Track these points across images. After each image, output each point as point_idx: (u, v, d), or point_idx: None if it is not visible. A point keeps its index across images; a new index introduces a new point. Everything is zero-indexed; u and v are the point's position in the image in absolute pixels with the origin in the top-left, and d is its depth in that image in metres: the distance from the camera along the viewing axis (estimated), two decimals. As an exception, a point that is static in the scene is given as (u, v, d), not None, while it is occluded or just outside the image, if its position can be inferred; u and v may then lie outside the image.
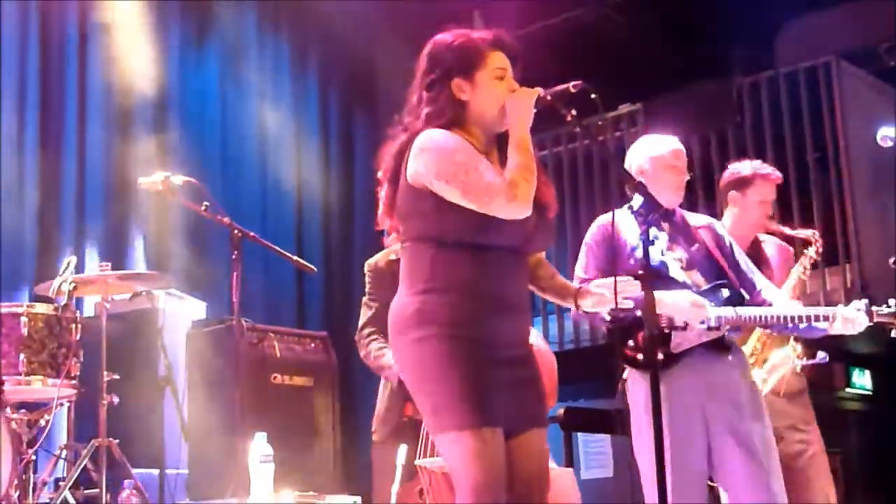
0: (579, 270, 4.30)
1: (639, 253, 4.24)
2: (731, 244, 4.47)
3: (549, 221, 3.35)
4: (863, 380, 8.74)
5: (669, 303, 4.16)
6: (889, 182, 7.89)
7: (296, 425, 6.06)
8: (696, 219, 4.51)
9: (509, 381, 3.20)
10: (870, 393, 8.70)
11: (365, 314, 4.89)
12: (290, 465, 5.46)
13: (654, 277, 4.20)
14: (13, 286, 6.19)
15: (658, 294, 4.13)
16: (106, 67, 7.11)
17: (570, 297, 3.49)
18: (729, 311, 4.20)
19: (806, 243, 5.18)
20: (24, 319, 5.19)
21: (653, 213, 3.15)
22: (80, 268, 5.44)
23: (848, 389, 8.58)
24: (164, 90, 7.38)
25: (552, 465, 4.94)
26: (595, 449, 8.62)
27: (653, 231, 4.26)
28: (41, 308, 5.29)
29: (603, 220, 4.33)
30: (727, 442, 4.14)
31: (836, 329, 4.24)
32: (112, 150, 7.08)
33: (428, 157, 3.18)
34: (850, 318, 4.20)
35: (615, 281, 3.32)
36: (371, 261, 4.95)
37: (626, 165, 4.46)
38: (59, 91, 6.99)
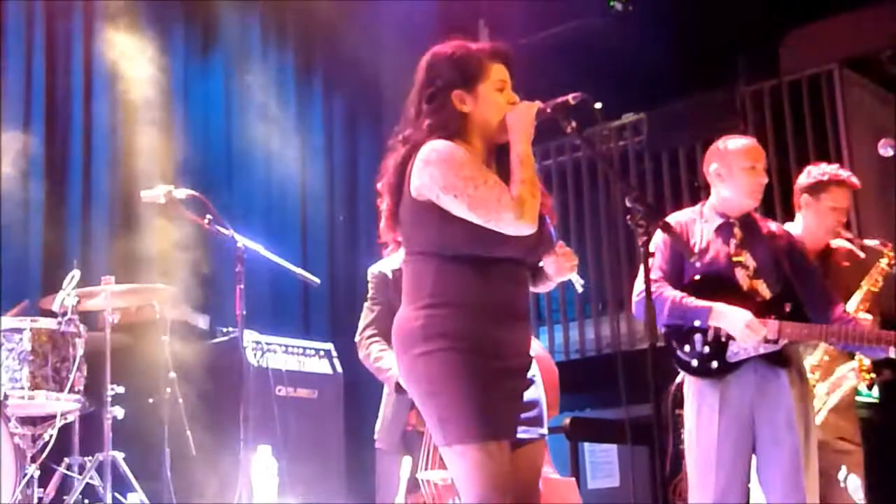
0: None
1: (706, 256, 4.28)
2: (804, 256, 4.47)
3: (548, 232, 3.36)
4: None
5: (728, 318, 4.18)
6: (893, 189, 7.87)
7: (300, 437, 6.06)
8: (773, 226, 4.52)
9: (514, 393, 3.22)
10: (876, 401, 8.67)
11: (366, 317, 4.89)
12: (294, 478, 5.47)
13: (721, 284, 4.23)
14: (19, 300, 6.19)
15: (719, 307, 4.16)
16: (111, 79, 7.12)
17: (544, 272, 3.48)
18: (790, 326, 4.20)
19: (878, 254, 5.06)
20: (27, 334, 5.20)
21: (653, 225, 3.14)
22: (85, 281, 5.44)
23: (855, 398, 8.55)
24: (169, 99, 7.39)
25: (555, 475, 4.96)
26: (601, 458, 8.61)
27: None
28: (45, 322, 5.30)
29: (673, 220, 4.32)
30: (771, 454, 4.19)
31: None
32: (117, 161, 7.09)
33: (434, 169, 3.17)
34: None
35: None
36: (374, 268, 4.97)
37: (704, 166, 4.50)
38: (65, 103, 6.99)
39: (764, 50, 8.97)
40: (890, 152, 4.59)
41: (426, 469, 4.48)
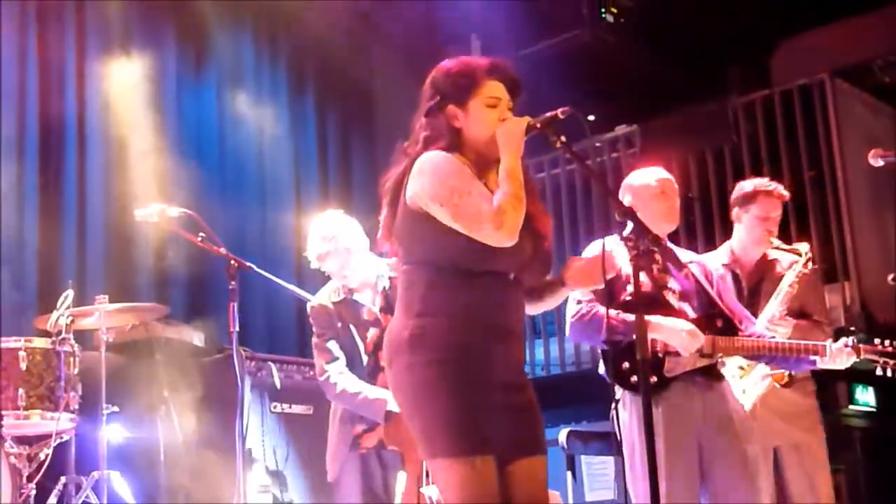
0: None
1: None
2: (718, 281, 4.57)
3: (546, 251, 3.38)
4: (866, 396, 8.69)
5: (666, 328, 4.23)
6: (887, 199, 7.89)
7: (296, 453, 6.05)
8: (684, 255, 4.63)
9: (504, 408, 3.21)
10: (873, 410, 8.67)
11: (320, 355, 4.82)
12: (290, 494, 5.45)
13: (652, 304, 4.28)
14: (15, 320, 6.18)
15: (656, 318, 4.21)
16: (104, 98, 7.13)
17: (559, 282, 3.44)
18: (723, 341, 4.28)
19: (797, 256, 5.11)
20: (22, 354, 5.20)
21: (643, 239, 3.17)
22: (80, 300, 5.44)
23: (851, 406, 8.55)
24: (162, 117, 7.40)
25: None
26: (598, 471, 8.60)
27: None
28: (39, 342, 5.29)
29: (598, 244, 4.36)
30: (717, 465, 4.25)
31: (826, 364, 4.28)
32: (111, 180, 7.10)
33: (425, 179, 3.21)
34: (838, 354, 4.25)
35: (602, 254, 3.30)
36: (313, 301, 4.91)
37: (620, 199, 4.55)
38: (59, 123, 7.01)
39: (755, 61, 9.01)
40: (881, 162, 4.62)
41: (426, 484, 4.47)
